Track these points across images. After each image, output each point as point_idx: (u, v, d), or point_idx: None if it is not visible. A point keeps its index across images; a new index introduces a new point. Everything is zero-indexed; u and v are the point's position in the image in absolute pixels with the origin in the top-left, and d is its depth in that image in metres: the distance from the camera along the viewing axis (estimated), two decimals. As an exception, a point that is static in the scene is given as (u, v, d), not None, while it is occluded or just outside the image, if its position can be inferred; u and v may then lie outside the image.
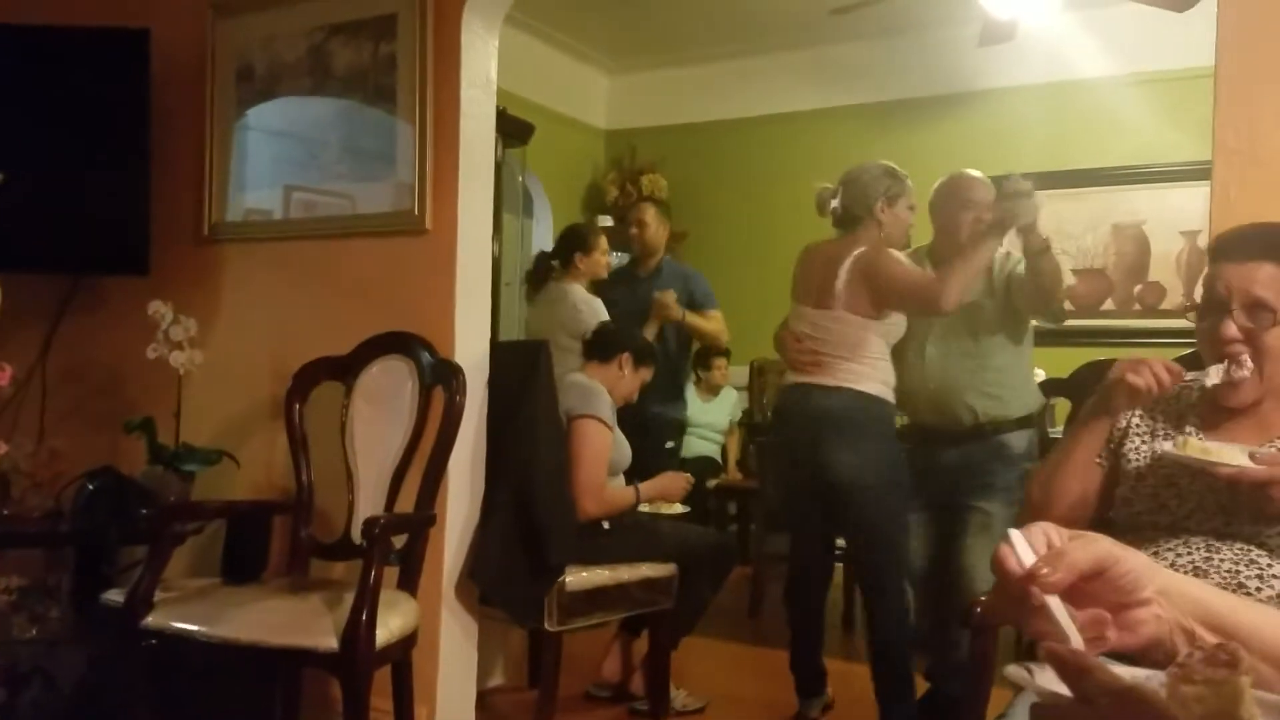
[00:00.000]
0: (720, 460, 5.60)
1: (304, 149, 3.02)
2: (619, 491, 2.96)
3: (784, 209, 5.32)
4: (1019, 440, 2.80)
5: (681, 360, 4.25)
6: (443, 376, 2.55)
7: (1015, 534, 0.78)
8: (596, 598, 2.78)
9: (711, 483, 5.20)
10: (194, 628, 2.21)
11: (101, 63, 3.04)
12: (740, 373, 5.40)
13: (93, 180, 3.02)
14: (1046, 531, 0.79)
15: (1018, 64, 5.07)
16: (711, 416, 5.44)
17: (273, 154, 3.07)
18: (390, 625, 2.21)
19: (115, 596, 2.54)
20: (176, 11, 3.10)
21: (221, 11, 3.06)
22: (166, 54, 3.04)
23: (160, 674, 2.33)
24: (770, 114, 5.99)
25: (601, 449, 2.87)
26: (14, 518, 2.70)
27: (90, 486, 2.80)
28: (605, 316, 3.78)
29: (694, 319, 4.06)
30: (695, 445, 5.27)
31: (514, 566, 2.69)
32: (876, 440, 2.80)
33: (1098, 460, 1.72)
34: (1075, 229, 5.29)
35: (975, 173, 2.92)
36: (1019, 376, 2.86)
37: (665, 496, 3.08)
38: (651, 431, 3.85)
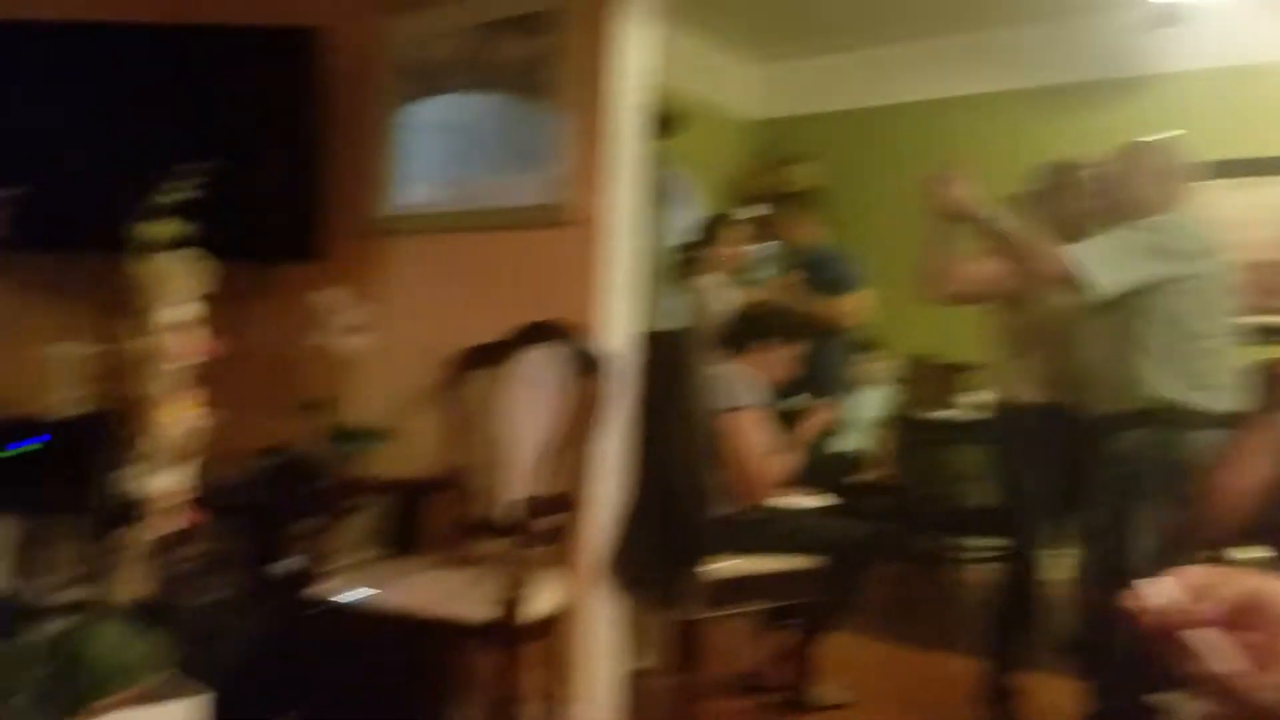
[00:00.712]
0: (869, 455, 5.51)
1: (462, 143, 3.13)
2: (779, 464, 2.97)
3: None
4: (1124, 439, 2.48)
5: (833, 352, 4.16)
6: (591, 365, 2.61)
7: (1155, 580, 0.72)
8: (739, 588, 2.79)
9: (858, 478, 5.12)
10: (359, 596, 2.34)
11: (275, 60, 3.23)
12: (894, 367, 5.29)
13: (269, 174, 3.21)
14: (1188, 573, 0.72)
15: (1193, 47, 4.78)
16: (859, 410, 5.35)
17: (433, 148, 3.19)
18: (540, 602, 2.28)
19: (288, 565, 2.71)
20: (346, 10, 3.27)
21: (387, 9, 3.21)
22: (336, 51, 3.21)
23: (327, 639, 2.47)
24: (930, 99, 5.83)
25: (758, 438, 2.89)
26: (200, 487, 2.91)
27: (267, 461, 3.00)
28: (733, 307, 3.79)
29: (804, 303, 4.00)
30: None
31: (657, 553, 2.73)
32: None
33: (1272, 455, 1.63)
34: (1255, 219, 4.96)
35: (1150, 139, 2.69)
36: (1116, 352, 2.51)
37: (818, 430, 3.13)
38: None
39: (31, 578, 3.07)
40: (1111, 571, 2.42)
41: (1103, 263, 2.41)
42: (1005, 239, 2.56)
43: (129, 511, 1.04)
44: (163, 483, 0.98)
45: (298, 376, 3.26)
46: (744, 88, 6.55)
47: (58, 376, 3.28)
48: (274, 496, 2.96)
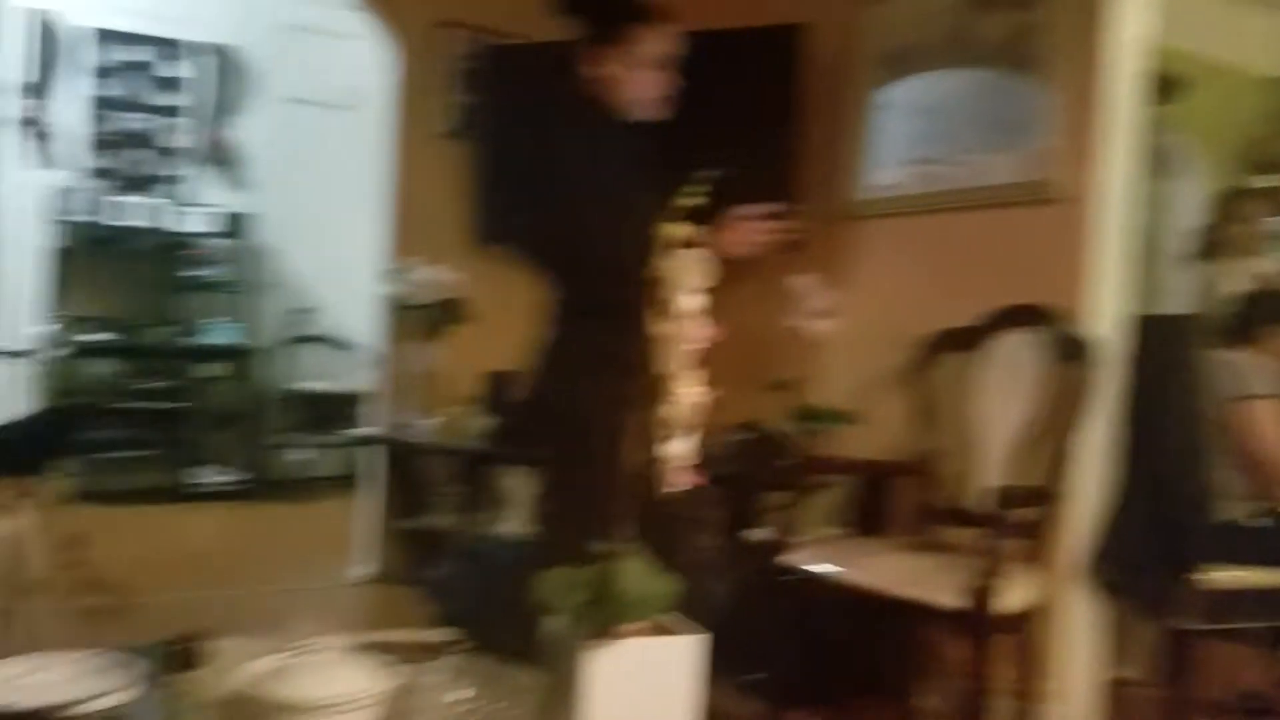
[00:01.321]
0: None
1: (937, 124, 3.10)
2: None
3: None
4: None
5: None
6: (1073, 351, 2.47)
7: None
8: (1244, 601, 2.49)
9: None
10: (824, 570, 2.44)
11: (760, 58, 3.42)
12: None
13: (752, 165, 3.42)
14: None
15: None
16: None
17: (907, 131, 3.19)
18: (1012, 595, 2.22)
19: (757, 534, 2.89)
20: (830, 3, 3.37)
21: (869, -1, 3.27)
22: (818, 43, 3.33)
23: (795, 607, 2.60)
24: None
25: (1277, 432, 2.56)
26: (700, 455, 3.20)
27: (740, 436, 3.22)
28: (1246, 288, 3.33)
29: None
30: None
31: (1146, 557, 2.52)
32: None
33: None
34: None
35: None
36: None
37: None
38: None
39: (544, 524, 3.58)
40: None
41: None
42: None
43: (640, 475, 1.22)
44: (673, 449, 1.13)
45: (770, 357, 3.44)
46: (1263, 41, 5.71)
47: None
48: (747, 469, 3.17)
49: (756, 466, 3.14)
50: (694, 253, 1.14)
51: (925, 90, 3.13)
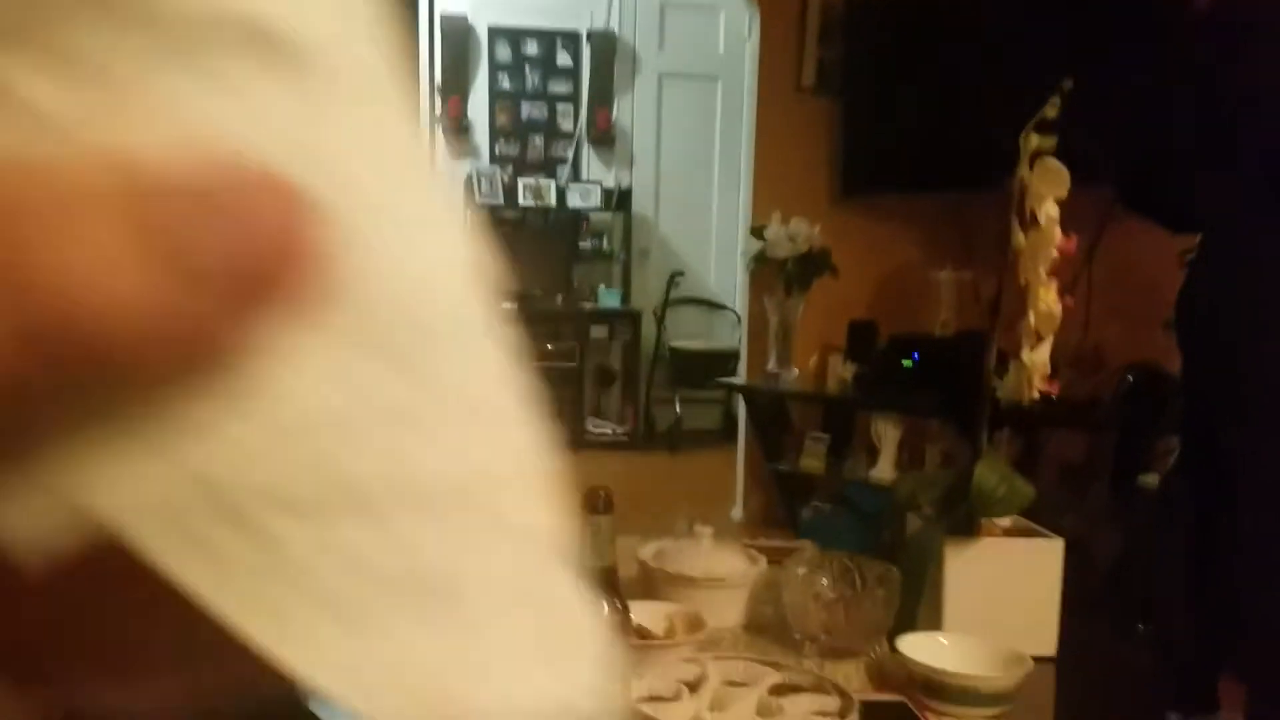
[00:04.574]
0: None
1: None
2: None
3: None
4: None
5: None
6: None
7: None
8: None
9: None
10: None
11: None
12: None
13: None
14: None
15: None
16: None
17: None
18: None
19: (1150, 480, 2.72)
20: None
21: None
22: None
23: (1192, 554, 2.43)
24: None
25: None
26: (1059, 401, 3.07)
27: (1130, 378, 3.03)
28: None
29: None
30: None
31: None
32: None
33: None
34: None
35: None
36: None
37: None
38: None
39: (909, 469, 3.58)
40: None
41: None
42: None
43: (996, 415, 1.25)
44: (1032, 357, 1.16)
45: (1169, 294, 3.18)
46: None
47: (937, 299, 3.74)
48: (1135, 412, 2.99)
49: (1145, 409, 2.95)
50: (1053, 162, 1.14)
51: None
